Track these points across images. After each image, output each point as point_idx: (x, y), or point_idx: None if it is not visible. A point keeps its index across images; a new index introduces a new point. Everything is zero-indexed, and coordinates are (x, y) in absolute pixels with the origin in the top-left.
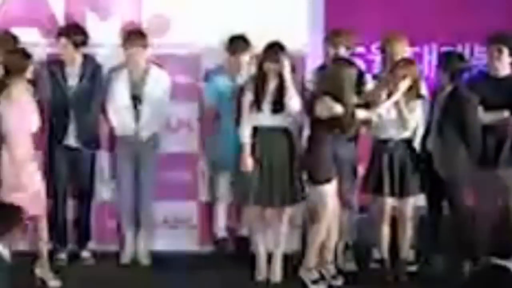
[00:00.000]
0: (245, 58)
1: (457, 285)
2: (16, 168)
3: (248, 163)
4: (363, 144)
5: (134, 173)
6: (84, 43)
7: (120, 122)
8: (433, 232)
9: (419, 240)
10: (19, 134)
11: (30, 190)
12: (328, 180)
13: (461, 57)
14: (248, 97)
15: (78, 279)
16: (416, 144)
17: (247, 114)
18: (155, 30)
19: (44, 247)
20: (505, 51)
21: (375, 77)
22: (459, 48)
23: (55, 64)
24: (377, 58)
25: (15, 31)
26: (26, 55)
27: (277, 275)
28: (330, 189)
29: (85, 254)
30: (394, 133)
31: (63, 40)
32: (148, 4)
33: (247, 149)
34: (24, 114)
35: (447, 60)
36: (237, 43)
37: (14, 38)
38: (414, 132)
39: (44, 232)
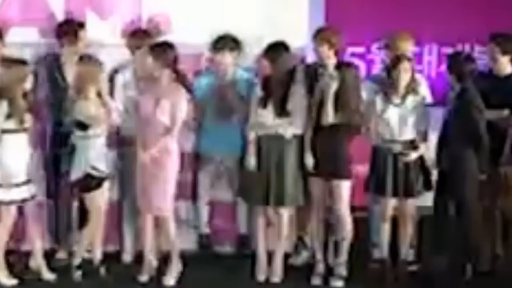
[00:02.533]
0: (229, 57)
1: (459, 285)
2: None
3: (251, 161)
4: (363, 144)
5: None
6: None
7: (127, 121)
8: (439, 232)
9: (420, 240)
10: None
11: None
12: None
13: (469, 58)
14: (256, 95)
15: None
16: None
17: (255, 113)
18: (156, 30)
19: (175, 247)
20: (497, 50)
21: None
22: (459, 48)
23: (53, 62)
24: (377, 58)
25: (15, 30)
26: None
27: (277, 274)
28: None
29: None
30: (397, 134)
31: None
32: (149, 3)
33: (252, 148)
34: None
35: (452, 62)
36: (224, 41)
37: None
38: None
39: (171, 232)
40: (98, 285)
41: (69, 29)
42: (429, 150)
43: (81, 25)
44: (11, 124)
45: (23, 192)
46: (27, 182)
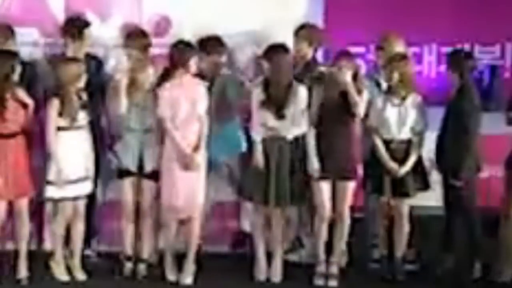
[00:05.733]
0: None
1: (465, 285)
2: None
3: (260, 160)
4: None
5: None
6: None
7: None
8: (448, 231)
9: (419, 240)
10: None
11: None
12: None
13: (468, 55)
14: (258, 97)
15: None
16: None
17: (257, 114)
18: (155, 30)
19: (194, 247)
20: None
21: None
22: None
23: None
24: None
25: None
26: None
27: (277, 275)
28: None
29: (89, 252)
30: (395, 133)
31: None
32: (148, 4)
33: (259, 147)
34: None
35: (454, 60)
36: (214, 43)
37: (10, 29)
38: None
39: (195, 232)
40: (101, 285)
41: (74, 27)
42: (429, 150)
43: (87, 23)
44: (62, 122)
45: (76, 190)
46: (82, 179)
